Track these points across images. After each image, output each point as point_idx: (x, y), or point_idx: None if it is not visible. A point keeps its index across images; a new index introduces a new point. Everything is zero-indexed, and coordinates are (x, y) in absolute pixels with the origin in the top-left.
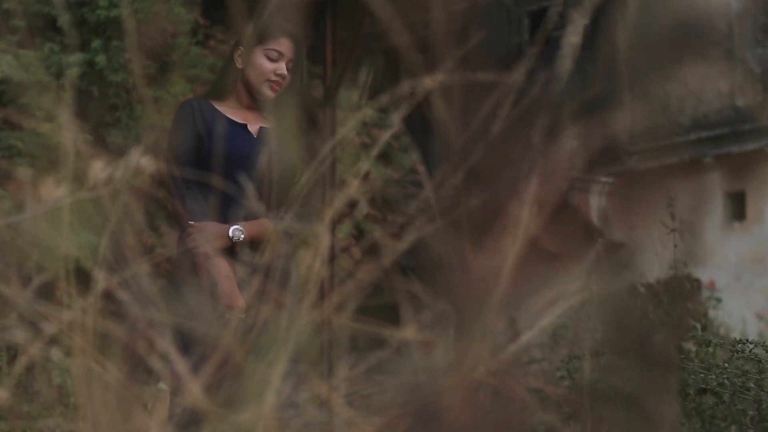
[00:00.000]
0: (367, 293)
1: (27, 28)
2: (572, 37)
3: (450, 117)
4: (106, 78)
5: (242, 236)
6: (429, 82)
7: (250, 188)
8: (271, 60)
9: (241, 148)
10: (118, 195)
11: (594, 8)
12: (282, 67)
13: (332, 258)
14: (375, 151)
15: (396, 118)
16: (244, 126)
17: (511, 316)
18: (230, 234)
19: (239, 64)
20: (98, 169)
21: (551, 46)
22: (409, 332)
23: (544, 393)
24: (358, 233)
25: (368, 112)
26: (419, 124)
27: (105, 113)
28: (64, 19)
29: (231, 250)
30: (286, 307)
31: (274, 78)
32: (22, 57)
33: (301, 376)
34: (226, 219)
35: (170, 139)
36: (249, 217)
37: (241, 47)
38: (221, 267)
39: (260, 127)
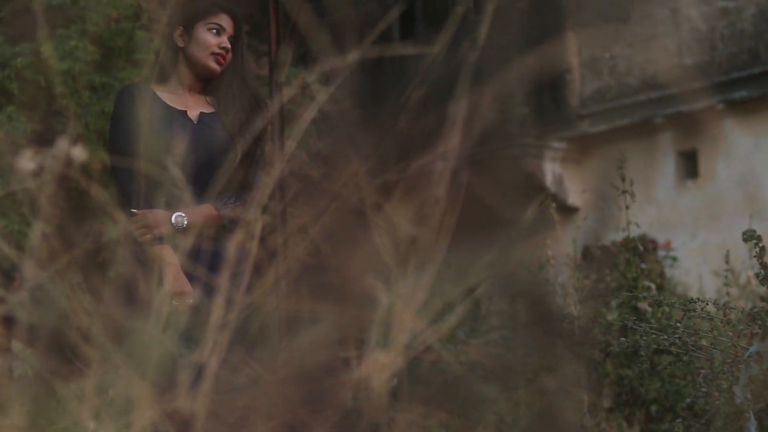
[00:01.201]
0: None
1: None
2: None
3: (373, 90)
4: (52, 66)
5: (185, 222)
6: (351, 56)
7: (179, 175)
8: (215, 33)
9: (181, 136)
10: (46, 186)
11: None
12: (225, 41)
13: (263, 239)
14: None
15: (323, 93)
16: (184, 113)
17: (464, 284)
18: (173, 220)
19: (180, 44)
20: (26, 159)
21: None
22: (341, 308)
23: (480, 364)
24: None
25: (311, 83)
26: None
27: (52, 102)
28: (7, 9)
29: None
30: (218, 290)
31: (218, 51)
32: None
33: (239, 359)
34: (166, 206)
35: (112, 126)
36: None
37: (180, 26)
38: (166, 254)
39: (200, 113)
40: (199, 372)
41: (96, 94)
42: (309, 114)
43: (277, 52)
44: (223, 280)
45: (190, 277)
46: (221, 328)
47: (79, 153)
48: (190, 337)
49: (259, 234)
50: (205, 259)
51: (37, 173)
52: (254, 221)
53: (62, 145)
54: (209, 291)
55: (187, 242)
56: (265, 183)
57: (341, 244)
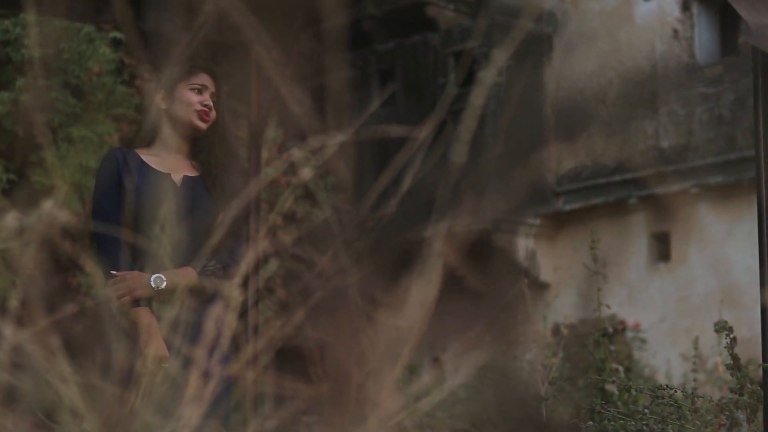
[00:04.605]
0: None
1: None
2: (488, 74)
3: (360, 170)
4: (31, 117)
5: (164, 285)
6: (341, 136)
7: (165, 240)
8: (197, 92)
9: (164, 200)
10: (29, 246)
11: (519, 50)
12: (207, 99)
13: (244, 312)
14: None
15: (308, 172)
16: (168, 176)
17: (436, 356)
18: (152, 282)
19: (163, 106)
20: (10, 219)
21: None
22: (319, 388)
23: None
24: (286, 273)
25: (295, 153)
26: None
27: (29, 152)
28: None
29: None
30: (196, 362)
31: (201, 108)
32: None
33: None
34: (148, 269)
35: (95, 191)
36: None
37: (162, 90)
38: (144, 316)
39: (184, 176)
40: None
41: (74, 146)
42: (290, 191)
43: (258, 114)
44: (201, 351)
45: (169, 347)
46: (197, 399)
47: (62, 215)
48: (166, 409)
49: (238, 307)
50: (185, 330)
51: (20, 233)
52: (233, 294)
53: (47, 206)
54: (186, 362)
55: (171, 312)
56: (246, 257)
57: (324, 325)
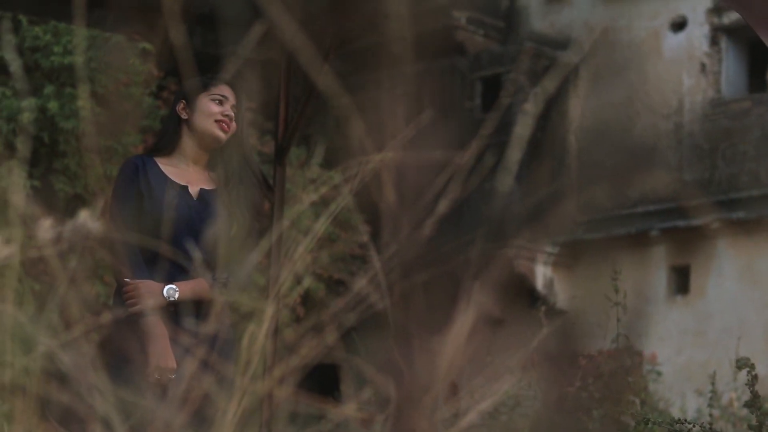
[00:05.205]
0: (310, 367)
1: None
2: (534, 105)
3: (398, 194)
4: (57, 124)
5: (176, 295)
6: (378, 159)
7: (192, 251)
8: (217, 103)
9: (180, 211)
10: (66, 256)
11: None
12: (228, 109)
13: (276, 330)
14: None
15: (347, 192)
16: (186, 188)
17: (453, 383)
18: (164, 293)
19: (184, 116)
20: (45, 228)
21: (505, 113)
22: (349, 408)
23: None
24: (304, 292)
25: (317, 171)
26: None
27: (54, 160)
28: (16, 64)
29: (175, 317)
30: (228, 379)
31: (222, 117)
32: None
33: None
34: (163, 279)
35: (113, 197)
36: (185, 277)
37: (183, 100)
38: (154, 326)
39: (201, 189)
40: None
41: (98, 156)
42: (323, 224)
43: (285, 131)
44: (231, 368)
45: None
46: (230, 415)
47: (97, 226)
48: (201, 422)
49: (272, 325)
50: (216, 346)
51: (55, 242)
52: (266, 312)
53: (83, 217)
54: (220, 379)
55: (207, 328)
56: (284, 275)
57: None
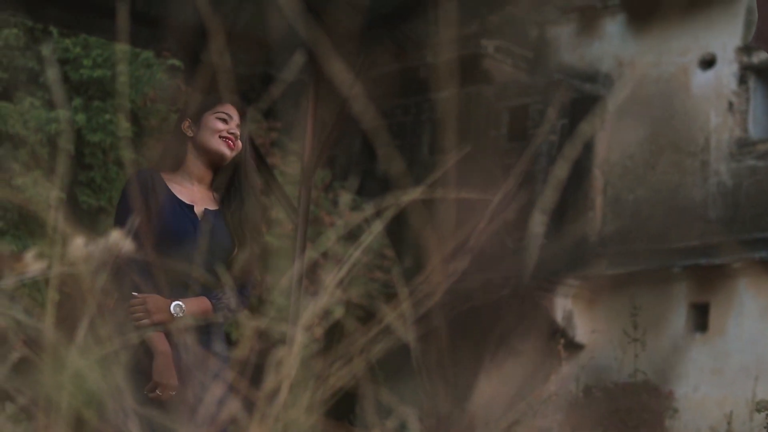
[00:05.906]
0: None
1: (8, 80)
2: (572, 148)
3: (430, 228)
4: (84, 137)
5: (182, 313)
6: (411, 195)
7: (194, 269)
8: (222, 121)
9: (185, 230)
10: (98, 273)
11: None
12: (233, 127)
13: (307, 361)
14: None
15: (378, 226)
16: (191, 207)
17: (471, 411)
18: (171, 309)
19: (189, 134)
20: (78, 246)
21: (530, 142)
22: None
23: None
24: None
25: (346, 198)
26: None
27: (79, 172)
28: (51, 75)
29: (207, 340)
30: (256, 404)
31: (227, 134)
32: (1, 109)
33: None
34: (168, 295)
35: (119, 209)
36: (186, 295)
37: (188, 119)
38: (159, 342)
39: (205, 209)
40: None
41: (123, 170)
42: (351, 259)
43: (311, 153)
44: (259, 394)
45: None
46: None
47: (128, 244)
48: None
49: (299, 354)
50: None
51: (87, 260)
52: (297, 339)
53: (115, 237)
54: (247, 405)
55: (237, 354)
56: (315, 306)
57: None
